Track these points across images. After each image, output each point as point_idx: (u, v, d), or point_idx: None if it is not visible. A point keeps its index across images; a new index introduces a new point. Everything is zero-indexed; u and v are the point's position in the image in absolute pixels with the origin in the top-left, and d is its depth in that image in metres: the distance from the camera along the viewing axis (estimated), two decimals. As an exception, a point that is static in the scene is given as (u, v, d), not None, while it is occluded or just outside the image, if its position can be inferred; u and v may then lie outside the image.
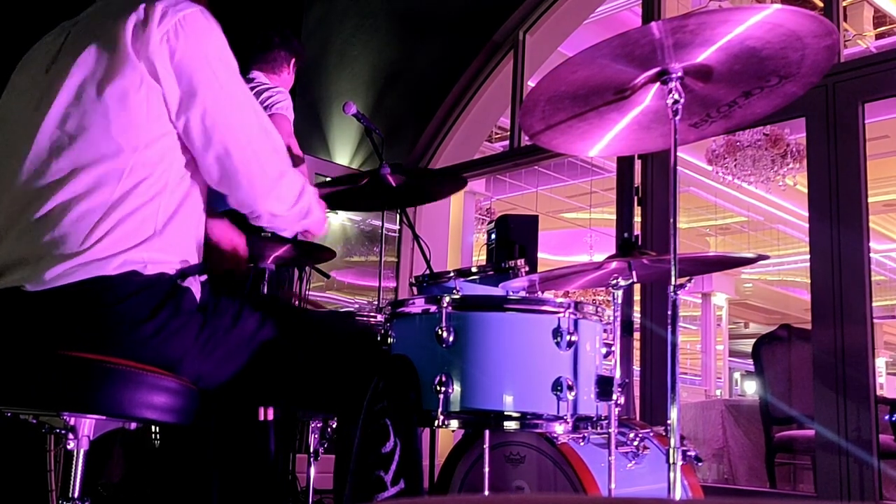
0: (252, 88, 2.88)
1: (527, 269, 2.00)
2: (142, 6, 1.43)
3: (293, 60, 3.16)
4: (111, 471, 2.83)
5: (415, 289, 2.10)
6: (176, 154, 1.46)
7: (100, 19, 1.49)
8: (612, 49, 1.45)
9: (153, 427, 3.02)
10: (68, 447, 1.39)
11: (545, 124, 1.68)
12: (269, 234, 2.51)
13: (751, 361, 5.08)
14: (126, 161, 1.40)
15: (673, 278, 1.52)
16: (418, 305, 1.69)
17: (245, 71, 3.01)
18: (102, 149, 1.39)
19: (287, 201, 1.54)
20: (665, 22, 1.39)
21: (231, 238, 1.78)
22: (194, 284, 1.47)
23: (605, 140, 1.77)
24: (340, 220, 5.54)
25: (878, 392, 3.52)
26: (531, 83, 5.04)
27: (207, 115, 1.43)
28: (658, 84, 1.55)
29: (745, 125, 1.68)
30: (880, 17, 6.53)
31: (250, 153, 1.47)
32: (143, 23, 1.41)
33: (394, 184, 2.47)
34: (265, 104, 2.83)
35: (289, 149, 2.73)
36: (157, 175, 1.44)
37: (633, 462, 1.97)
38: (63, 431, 1.39)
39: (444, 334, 1.59)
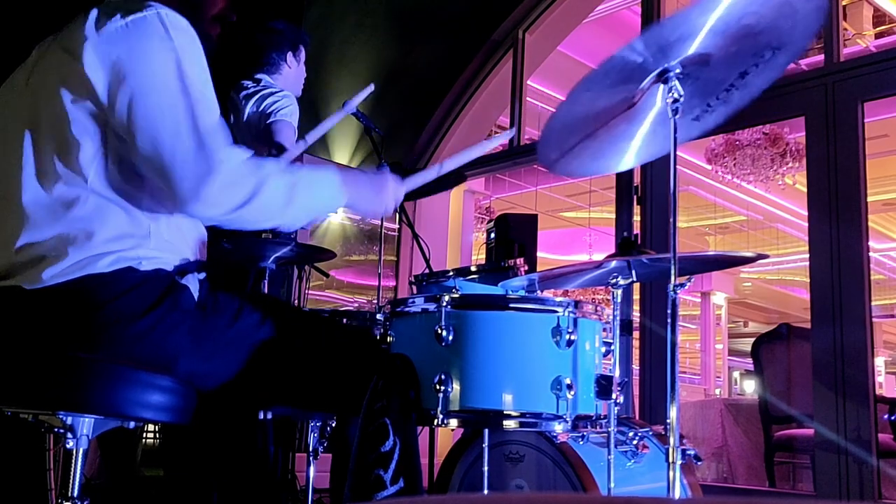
0: (257, 92, 2.86)
1: (526, 268, 2.00)
2: (90, 18, 1.43)
3: (290, 53, 3.03)
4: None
5: (414, 288, 2.10)
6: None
7: (61, 35, 1.50)
8: (604, 77, 1.46)
9: (149, 426, 3.02)
10: (67, 446, 1.39)
11: (559, 152, 1.69)
12: (270, 235, 2.51)
13: (750, 360, 5.08)
14: (97, 165, 1.41)
15: (672, 277, 1.52)
16: (418, 304, 1.69)
17: (249, 76, 2.98)
18: (78, 152, 1.40)
19: (223, 205, 1.40)
20: (643, 36, 1.39)
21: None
22: (192, 282, 1.47)
23: (617, 155, 1.77)
24: (340, 220, 5.54)
25: (878, 391, 3.52)
26: (531, 82, 5.04)
27: (137, 121, 1.38)
28: (662, 84, 1.56)
29: (745, 108, 1.67)
30: (880, 17, 6.52)
31: (171, 158, 1.38)
32: (88, 34, 1.41)
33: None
34: (268, 110, 2.79)
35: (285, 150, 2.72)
36: (132, 172, 1.44)
37: (633, 461, 1.97)
38: (62, 430, 1.39)
39: (444, 333, 1.59)
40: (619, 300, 1.87)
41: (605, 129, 1.65)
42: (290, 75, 3.04)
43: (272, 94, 2.86)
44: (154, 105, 1.39)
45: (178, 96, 1.41)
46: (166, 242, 1.46)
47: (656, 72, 1.52)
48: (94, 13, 1.44)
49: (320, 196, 1.54)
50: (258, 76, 2.97)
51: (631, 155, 1.80)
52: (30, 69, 1.52)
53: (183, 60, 1.43)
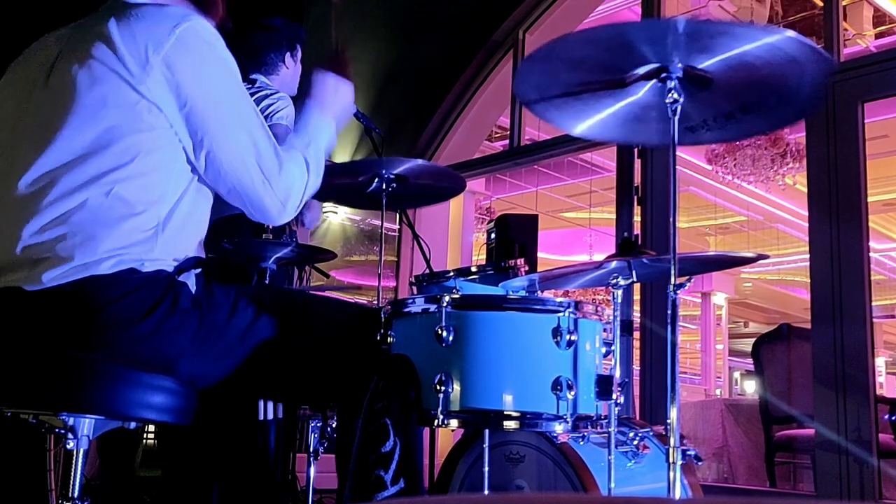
0: (253, 95, 2.82)
1: (526, 268, 2.00)
2: (131, 17, 1.43)
3: (288, 53, 2.99)
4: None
5: (414, 288, 2.10)
6: (168, 159, 1.46)
7: (94, 27, 1.48)
8: (621, 33, 1.45)
9: (148, 426, 3.02)
10: (68, 447, 1.39)
11: (539, 95, 1.66)
12: (271, 236, 2.51)
13: (750, 361, 5.08)
14: (118, 170, 1.40)
15: (673, 278, 1.52)
16: (418, 305, 1.69)
17: (245, 76, 2.95)
18: (101, 158, 1.40)
19: (295, 206, 1.58)
20: (682, 20, 1.39)
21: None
22: (189, 278, 1.47)
23: (597, 119, 1.75)
24: (340, 220, 5.54)
25: (878, 391, 3.52)
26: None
27: (212, 147, 1.46)
28: (655, 81, 1.55)
29: (740, 139, 1.69)
30: (880, 17, 6.52)
31: (256, 175, 1.50)
32: (133, 34, 1.41)
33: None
34: (265, 113, 2.74)
35: None
36: (151, 179, 1.44)
37: (633, 461, 1.97)
38: (62, 431, 1.39)
39: (444, 334, 1.59)
40: (619, 300, 1.86)
41: (593, 96, 1.64)
42: (288, 76, 3.00)
43: (268, 96, 2.81)
44: (227, 131, 1.48)
45: (244, 118, 1.51)
46: (171, 249, 1.47)
47: (656, 66, 1.51)
48: (133, 14, 1.43)
49: (328, 133, 1.69)
50: (253, 76, 2.92)
51: (611, 130, 1.78)
52: (49, 66, 1.49)
53: (234, 69, 1.50)
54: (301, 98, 1.75)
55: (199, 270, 1.51)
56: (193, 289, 1.47)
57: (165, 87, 1.41)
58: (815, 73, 1.43)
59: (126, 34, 1.41)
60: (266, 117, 2.75)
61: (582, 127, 1.76)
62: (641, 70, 1.54)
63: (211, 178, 1.50)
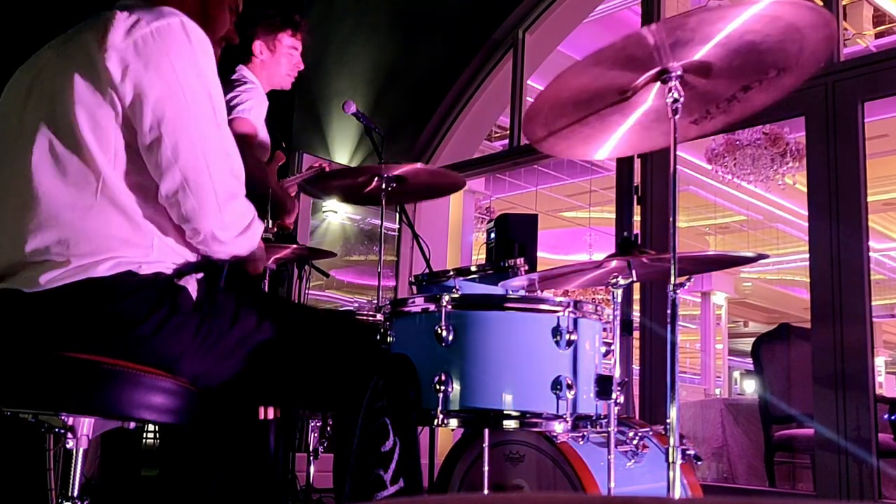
0: (231, 87, 2.65)
1: (526, 268, 2.00)
2: (113, 19, 1.43)
3: (259, 41, 2.76)
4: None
5: (414, 288, 2.10)
6: None
7: (78, 35, 1.48)
8: (610, 56, 1.45)
9: (148, 426, 3.02)
10: (67, 446, 1.39)
11: (547, 131, 1.67)
12: (271, 235, 2.51)
13: (750, 360, 5.08)
14: (108, 171, 1.40)
15: (672, 277, 1.52)
16: (418, 304, 1.69)
17: (232, 70, 2.86)
18: (90, 160, 1.40)
19: (232, 229, 1.47)
20: (660, 25, 1.39)
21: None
22: (190, 283, 1.47)
23: (608, 143, 1.76)
24: (340, 220, 5.54)
25: (878, 391, 3.52)
26: (531, 82, 5.04)
27: (167, 129, 1.40)
28: (659, 83, 1.55)
29: (745, 119, 1.67)
30: (880, 16, 6.53)
31: (203, 168, 1.42)
32: (111, 37, 1.40)
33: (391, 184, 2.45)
34: (228, 106, 2.52)
35: (249, 142, 2.59)
36: (142, 182, 1.44)
37: (633, 461, 1.97)
38: (62, 431, 1.39)
39: (444, 333, 1.59)
40: (619, 300, 1.87)
41: (598, 118, 1.65)
42: (262, 64, 2.78)
43: (237, 86, 2.65)
44: (184, 119, 1.41)
45: (210, 118, 1.44)
46: (169, 252, 1.47)
47: (656, 70, 1.52)
48: (113, 18, 1.43)
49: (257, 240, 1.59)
50: (237, 69, 2.77)
51: (623, 145, 1.79)
52: (39, 70, 1.51)
53: (206, 71, 1.46)
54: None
55: (200, 275, 1.51)
56: (194, 293, 1.47)
57: (127, 73, 1.39)
58: (815, 34, 1.41)
59: (106, 27, 1.41)
60: (229, 110, 2.54)
61: (594, 152, 1.77)
62: (642, 79, 1.54)
63: (162, 161, 1.41)
